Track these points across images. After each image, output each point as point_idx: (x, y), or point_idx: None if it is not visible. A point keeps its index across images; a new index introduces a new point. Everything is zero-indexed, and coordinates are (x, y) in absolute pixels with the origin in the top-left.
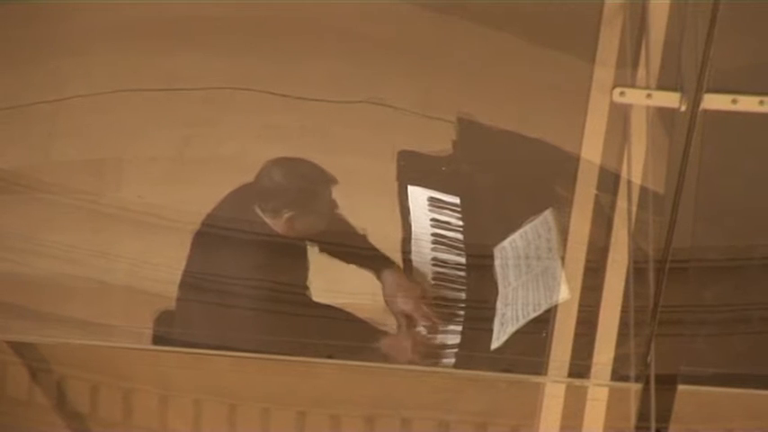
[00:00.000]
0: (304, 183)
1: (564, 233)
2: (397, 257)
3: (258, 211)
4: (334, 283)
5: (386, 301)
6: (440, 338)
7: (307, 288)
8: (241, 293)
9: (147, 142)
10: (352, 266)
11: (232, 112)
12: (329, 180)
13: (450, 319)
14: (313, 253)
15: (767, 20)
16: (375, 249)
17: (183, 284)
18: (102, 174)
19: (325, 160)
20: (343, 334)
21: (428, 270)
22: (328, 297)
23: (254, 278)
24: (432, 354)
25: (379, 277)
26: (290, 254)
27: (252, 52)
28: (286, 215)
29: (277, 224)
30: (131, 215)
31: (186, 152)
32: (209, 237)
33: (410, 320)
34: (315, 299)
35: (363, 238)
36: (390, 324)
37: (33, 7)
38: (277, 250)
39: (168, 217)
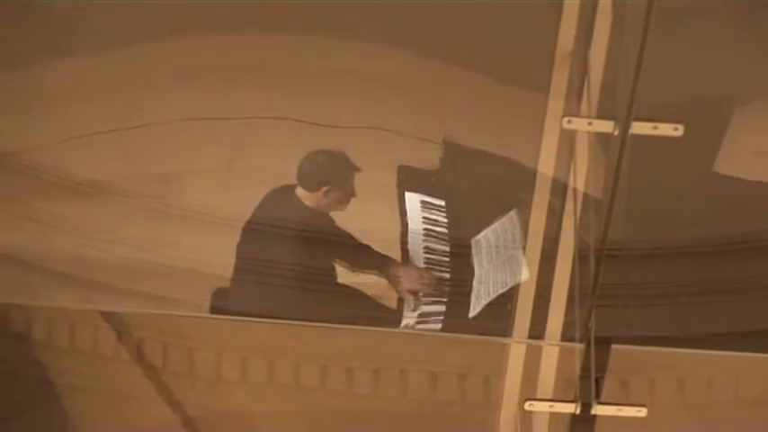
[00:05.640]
0: (339, 164)
1: (525, 228)
2: (396, 248)
3: (299, 191)
4: (351, 269)
5: (395, 288)
6: (431, 304)
7: (333, 270)
8: (281, 274)
9: (203, 158)
10: (364, 271)
11: (269, 135)
12: (354, 167)
13: (439, 293)
14: (340, 266)
15: (682, 64)
16: (378, 253)
17: (236, 267)
18: (169, 182)
19: None
20: (358, 306)
21: (421, 256)
22: (347, 279)
23: (291, 262)
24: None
25: (384, 273)
26: (320, 245)
27: (282, 89)
28: (324, 188)
29: (314, 197)
30: (192, 214)
31: (234, 165)
32: (257, 229)
33: (416, 294)
34: (339, 280)
35: (368, 247)
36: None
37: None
38: (311, 241)
39: (220, 215)
